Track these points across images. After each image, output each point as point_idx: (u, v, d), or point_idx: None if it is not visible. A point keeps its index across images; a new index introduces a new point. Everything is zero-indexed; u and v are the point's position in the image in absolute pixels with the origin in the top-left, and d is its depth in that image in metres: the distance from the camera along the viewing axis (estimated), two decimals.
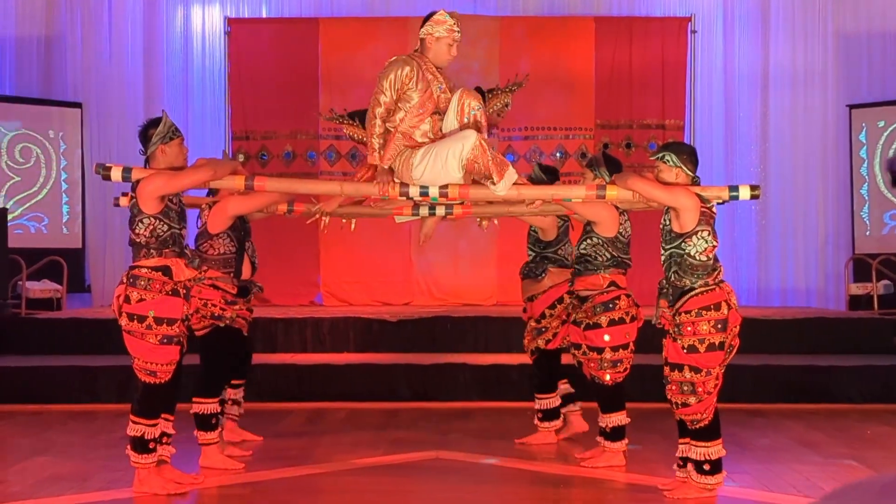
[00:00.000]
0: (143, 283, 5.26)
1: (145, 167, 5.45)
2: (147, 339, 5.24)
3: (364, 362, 8.98)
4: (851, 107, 11.44)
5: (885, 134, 11.24)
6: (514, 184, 5.45)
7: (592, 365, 5.99)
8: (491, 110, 6.53)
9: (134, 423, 5.33)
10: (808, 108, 11.64)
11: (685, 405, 5.16)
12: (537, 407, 6.85)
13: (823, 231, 11.55)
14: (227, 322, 6.11)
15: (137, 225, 5.29)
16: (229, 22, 11.69)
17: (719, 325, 5.11)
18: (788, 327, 9.48)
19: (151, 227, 5.27)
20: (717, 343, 5.11)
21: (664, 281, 5.32)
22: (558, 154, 11.49)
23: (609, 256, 6.00)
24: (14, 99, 11.43)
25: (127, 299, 5.28)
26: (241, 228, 6.25)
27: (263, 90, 11.41)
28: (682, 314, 5.16)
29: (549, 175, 6.48)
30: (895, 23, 11.54)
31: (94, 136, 11.68)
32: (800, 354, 9.06)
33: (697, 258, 5.15)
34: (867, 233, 11.37)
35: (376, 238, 11.18)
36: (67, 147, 11.55)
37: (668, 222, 5.29)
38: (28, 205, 11.40)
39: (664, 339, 5.30)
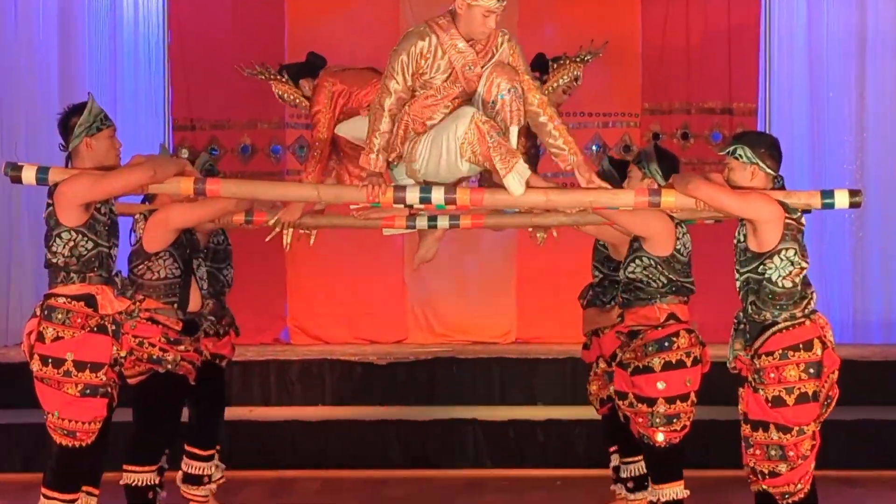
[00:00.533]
0: (60, 316, 5.25)
1: (66, 166, 5.43)
2: (65, 388, 5.21)
3: (344, 418, 9.03)
4: None
5: None
6: (538, 186, 5.43)
7: (642, 420, 5.99)
8: (555, 85, 6.56)
9: (46, 498, 5.29)
10: None
11: (773, 474, 5.19)
12: (624, 475, 6.92)
13: (863, 248, 11.61)
14: (169, 367, 6.10)
15: (55, 241, 5.28)
16: None
17: (812, 370, 5.13)
18: (893, 371, 9.45)
19: (72, 245, 5.28)
20: (809, 393, 5.12)
21: (741, 314, 5.31)
22: (594, 147, 11.52)
23: (665, 281, 6.01)
24: None
25: (40, 337, 5.26)
26: (186, 245, 6.24)
27: (214, 68, 11.39)
28: (764, 356, 5.17)
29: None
30: None
31: None
32: None
33: (781, 284, 5.17)
34: None
35: (359, 257, 11.19)
36: None
37: (743, 238, 5.31)
38: None
39: (741, 389, 5.31)
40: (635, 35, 11.42)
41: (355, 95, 6.48)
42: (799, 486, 5.16)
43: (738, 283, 5.32)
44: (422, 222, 6.31)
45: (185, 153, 11.01)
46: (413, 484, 8.22)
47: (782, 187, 5.36)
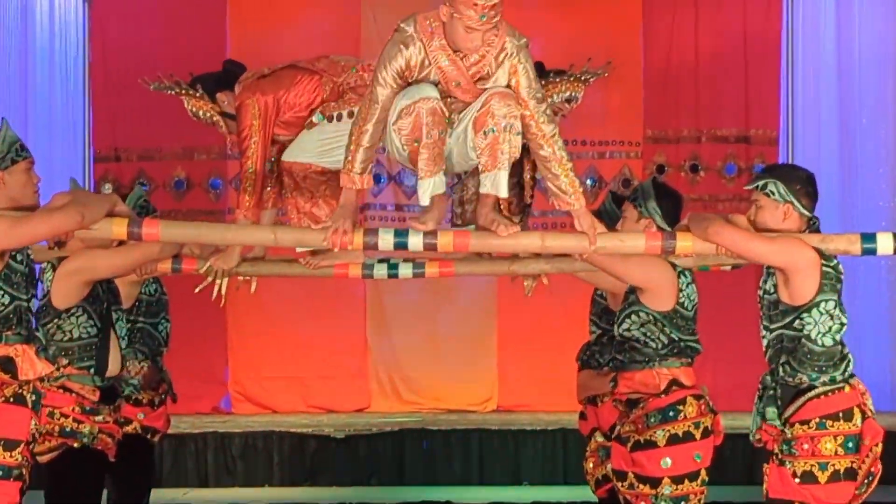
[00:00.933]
0: None
1: None
2: None
3: (294, 502, 9.03)
4: None
5: None
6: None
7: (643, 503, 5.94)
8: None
9: None
10: None
11: None
12: None
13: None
14: (85, 441, 6.12)
15: None
16: None
17: (850, 444, 5.12)
18: None
19: None
20: (843, 470, 5.11)
21: (768, 377, 5.33)
22: (589, 181, 11.56)
23: (666, 341, 5.98)
24: None
25: None
26: (103, 298, 6.25)
27: (142, 88, 11.42)
28: (798, 425, 5.17)
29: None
30: None
31: None
32: None
33: (822, 342, 5.17)
34: None
35: (313, 308, 11.28)
36: None
37: (772, 289, 5.32)
38: None
39: (766, 465, 5.29)
40: (637, 52, 11.53)
41: (285, 100, 6.35)
42: None
43: (765, 342, 5.31)
44: (381, 271, 6.35)
45: (108, 188, 11.11)
46: None
47: (817, 230, 5.35)
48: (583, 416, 7.05)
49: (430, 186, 5.33)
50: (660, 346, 5.97)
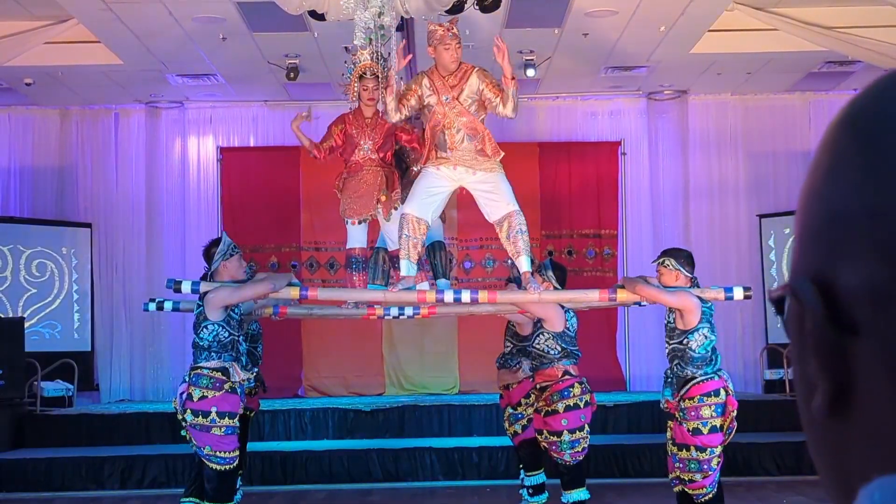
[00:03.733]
0: (205, 381, 5.18)
1: (207, 279, 5.40)
2: (212, 431, 5.17)
3: (341, 448, 8.98)
4: (761, 216, 11.73)
5: (790, 240, 11.51)
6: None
7: (554, 447, 5.91)
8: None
9: None
10: (724, 216, 11.85)
11: (692, 481, 5.11)
12: (526, 484, 6.73)
13: (741, 324, 11.64)
14: None
15: (202, 330, 5.21)
16: (221, 151, 11.88)
17: (719, 410, 5.06)
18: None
19: (214, 333, 5.17)
20: (717, 425, 5.08)
21: (668, 371, 5.27)
22: (509, 262, 11.55)
23: (560, 349, 5.90)
24: (31, 221, 11.55)
25: (189, 396, 5.17)
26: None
27: (251, 209, 11.52)
28: (687, 400, 5.10)
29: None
30: (795, 144, 11.88)
31: (101, 252, 11.76)
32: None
33: (698, 351, 5.11)
34: (778, 325, 11.52)
35: (351, 336, 11.14)
36: (78, 262, 11.63)
37: (672, 320, 5.24)
38: (43, 314, 11.43)
39: (670, 423, 5.27)
40: (535, 184, 11.46)
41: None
42: (709, 489, 5.09)
43: (667, 350, 5.23)
44: (394, 312, 6.20)
45: None
46: (389, 493, 8.19)
47: (697, 285, 5.33)
48: (501, 397, 6.94)
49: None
50: (557, 353, 5.90)
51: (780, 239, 11.62)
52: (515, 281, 6.08)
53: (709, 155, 11.88)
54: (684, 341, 5.11)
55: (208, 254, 5.41)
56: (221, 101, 11.79)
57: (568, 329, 5.96)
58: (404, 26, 7.14)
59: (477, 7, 5.68)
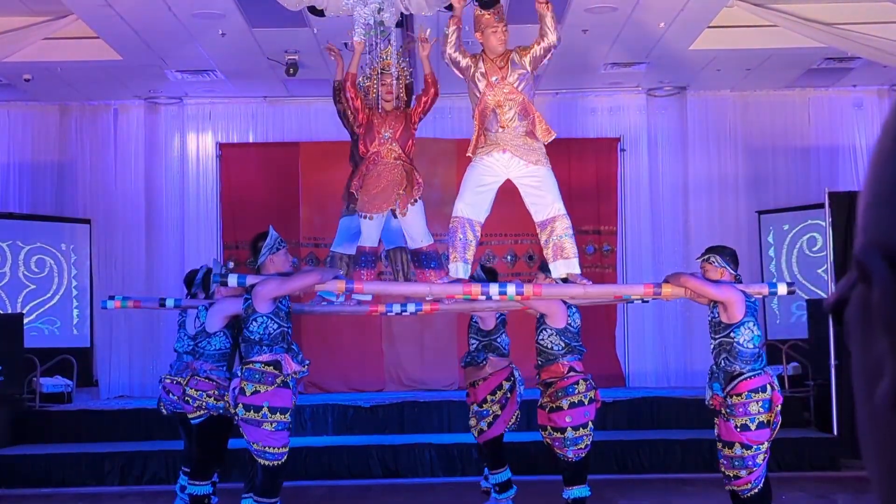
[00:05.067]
0: (257, 376, 5.13)
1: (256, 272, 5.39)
2: (263, 426, 5.15)
3: (341, 444, 8.98)
4: (760, 212, 11.73)
5: (789, 236, 11.54)
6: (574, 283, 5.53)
7: (558, 443, 5.90)
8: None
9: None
10: (723, 213, 11.85)
11: (737, 477, 5.09)
12: (492, 482, 6.70)
13: None
14: (221, 411, 6.04)
15: (251, 323, 5.15)
16: (220, 146, 11.86)
17: (765, 406, 5.07)
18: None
19: (264, 326, 5.12)
20: (764, 421, 5.09)
21: (714, 366, 5.24)
22: (509, 257, 11.61)
23: (563, 345, 5.90)
24: (30, 217, 11.55)
25: (242, 391, 5.13)
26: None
27: (250, 205, 11.50)
28: (735, 396, 5.08)
29: (489, 275, 6.53)
30: (795, 140, 11.89)
31: (100, 248, 11.76)
32: None
33: (746, 346, 5.10)
34: (777, 321, 11.59)
35: (351, 332, 11.14)
36: (77, 258, 11.63)
37: (716, 315, 5.22)
38: (42, 310, 11.43)
39: (716, 419, 5.23)
40: None
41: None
42: (754, 484, 5.06)
43: (712, 346, 5.19)
44: (396, 308, 6.18)
45: (231, 265, 11.11)
46: (388, 488, 8.21)
47: (740, 280, 5.35)
48: (467, 395, 6.85)
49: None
50: (560, 348, 5.89)
51: (779, 235, 11.62)
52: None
53: (708, 151, 11.88)
54: (731, 335, 5.10)
55: (255, 248, 5.42)
56: (220, 97, 11.79)
57: (570, 325, 5.95)
58: (404, 22, 7.13)
59: (476, 3, 5.71)
